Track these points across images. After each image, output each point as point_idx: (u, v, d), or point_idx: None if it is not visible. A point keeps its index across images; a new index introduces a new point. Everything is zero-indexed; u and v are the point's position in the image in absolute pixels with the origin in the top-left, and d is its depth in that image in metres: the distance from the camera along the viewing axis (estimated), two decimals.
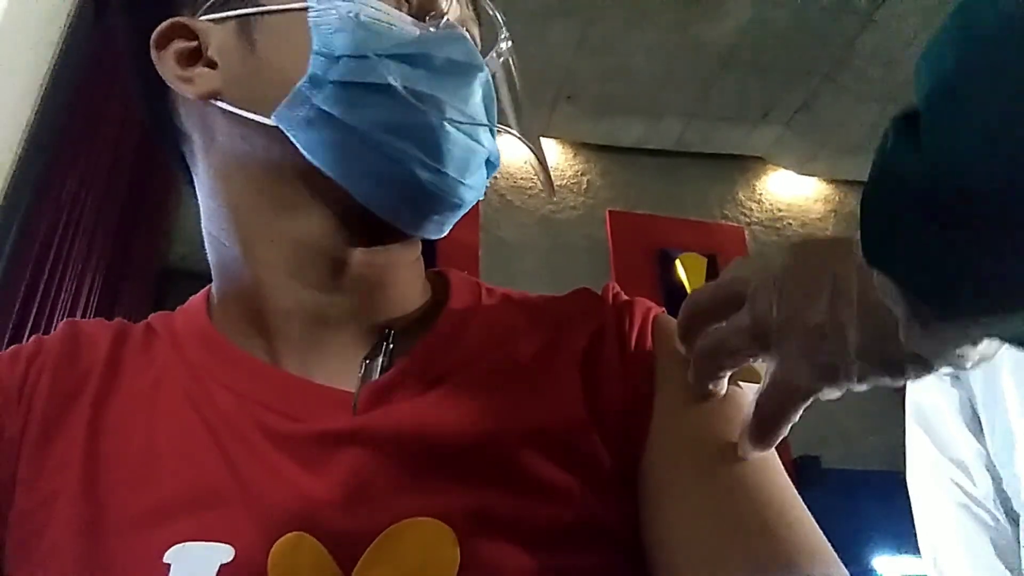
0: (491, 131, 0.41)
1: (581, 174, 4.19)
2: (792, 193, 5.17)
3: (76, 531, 0.34)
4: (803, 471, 4.08)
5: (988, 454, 1.14)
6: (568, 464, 0.35)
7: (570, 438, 0.36)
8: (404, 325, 0.41)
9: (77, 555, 0.33)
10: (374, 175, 0.37)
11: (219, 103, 0.39)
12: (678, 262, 4.77)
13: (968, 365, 0.30)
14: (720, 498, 0.34)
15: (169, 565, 0.32)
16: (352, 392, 0.37)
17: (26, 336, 1.55)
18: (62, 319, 0.57)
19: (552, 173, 3.91)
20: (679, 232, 4.89)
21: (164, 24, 0.41)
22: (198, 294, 0.45)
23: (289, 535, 0.33)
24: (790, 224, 5.06)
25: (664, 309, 0.45)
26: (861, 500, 4.02)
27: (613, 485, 0.36)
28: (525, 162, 4.07)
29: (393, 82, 0.35)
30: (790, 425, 0.34)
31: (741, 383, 0.39)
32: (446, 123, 0.36)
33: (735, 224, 4.97)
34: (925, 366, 0.30)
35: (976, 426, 1.16)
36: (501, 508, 0.33)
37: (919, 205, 0.24)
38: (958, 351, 0.29)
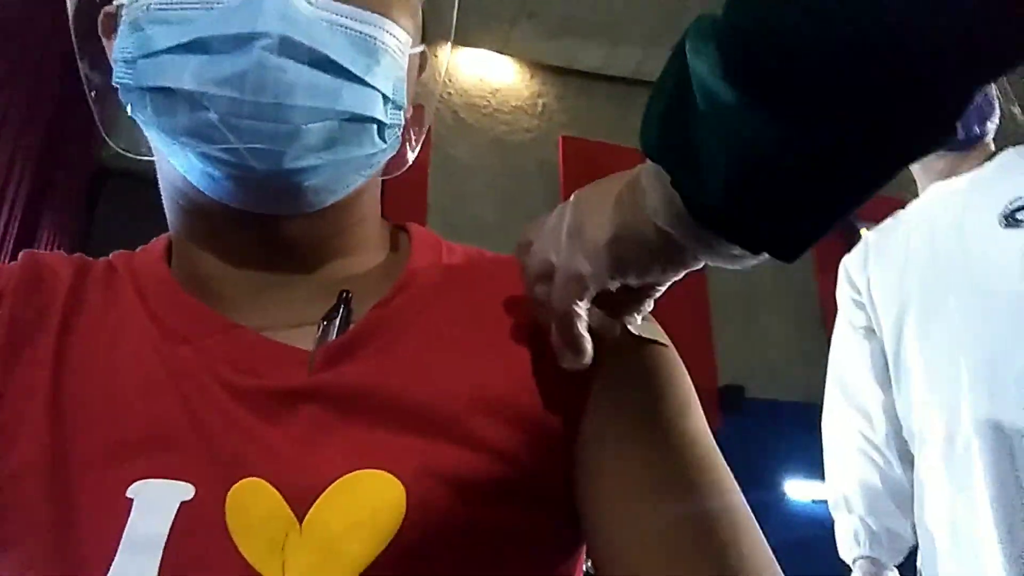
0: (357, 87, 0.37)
1: (537, 96, 4.12)
2: None
3: (43, 464, 0.35)
4: (726, 399, 4.28)
5: (893, 403, 1.23)
6: (514, 426, 0.37)
7: (517, 401, 0.38)
8: (363, 285, 0.42)
9: (42, 486, 0.34)
10: (198, 172, 0.37)
11: None
12: None
13: (742, 264, 0.34)
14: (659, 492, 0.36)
15: (132, 500, 0.33)
16: (309, 351, 0.38)
17: None
18: None
19: (507, 93, 3.81)
20: (633, 162, 4.85)
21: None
22: (159, 239, 0.45)
23: (246, 480, 0.34)
24: None
25: None
26: (779, 429, 4.26)
27: (558, 448, 0.38)
28: (481, 80, 3.97)
29: (171, 84, 0.34)
30: (586, 325, 0.37)
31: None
32: (229, 116, 0.34)
33: None
34: (681, 255, 0.35)
35: (885, 378, 1.25)
36: (448, 464, 0.35)
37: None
38: (732, 250, 0.33)
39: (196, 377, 0.37)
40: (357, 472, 0.34)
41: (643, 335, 0.42)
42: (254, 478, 0.34)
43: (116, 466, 0.34)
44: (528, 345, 0.40)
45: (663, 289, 0.40)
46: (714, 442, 0.40)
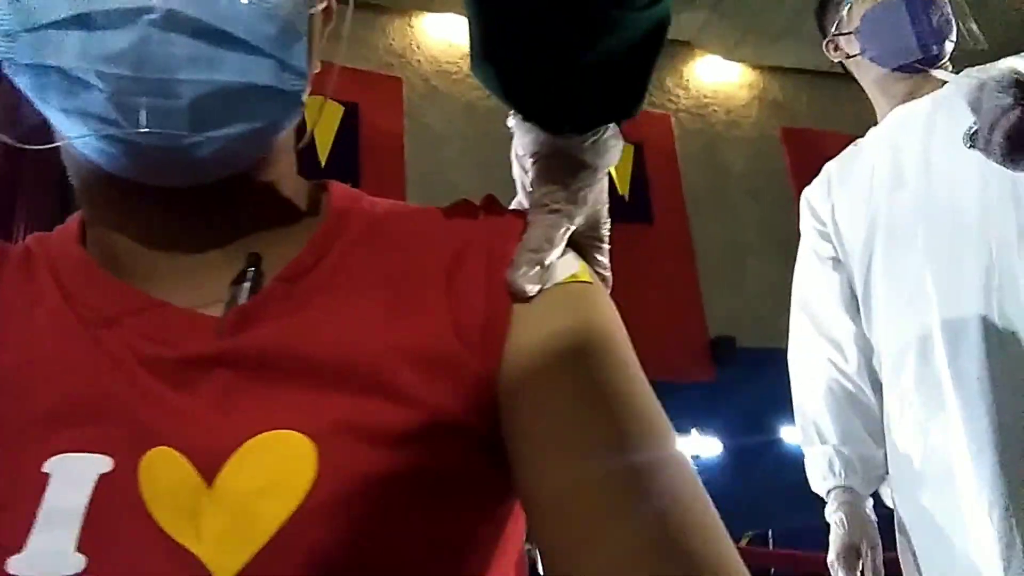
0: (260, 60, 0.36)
1: None
2: (718, 79, 5.17)
3: None
4: (718, 351, 4.33)
5: (863, 332, 1.24)
6: (430, 373, 0.37)
7: (432, 348, 0.37)
8: (277, 248, 0.41)
9: None
10: (94, 149, 0.36)
11: None
12: None
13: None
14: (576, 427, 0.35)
15: (48, 475, 0.34)
16: (219, 317, 0.38)
17: None
18: None
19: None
20: None
21: None
22: (74, 216, 0.44)
23: (155, 449, 0.34)
24: (715, 111, 5.09)
25: None
26: (772, 376, 4.31)
27: (477, 389, 0.37)
28: (450, 44, 3.90)
29: (56, 62, 0.33)
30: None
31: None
32: (119, 94, 0.33)
33: (662, 111, 4.96)
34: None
35: (854, 308, 1.26)
36: (361, 416, 0.35)
37: None
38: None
39: (110, 351, 0.37)
40: (265, 434, 0.34)
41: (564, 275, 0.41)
42: (162, 447, 0.34)
43: (32, 443, 0.34)
44: (447, 291, 0.39)
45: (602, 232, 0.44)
46: (646, 386, 0.39)
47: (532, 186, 0.42)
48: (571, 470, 0.34)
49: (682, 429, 4.09)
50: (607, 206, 0.45)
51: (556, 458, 0.35)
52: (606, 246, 0.45)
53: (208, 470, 0.34)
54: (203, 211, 0.40)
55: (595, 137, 0.42)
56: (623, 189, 4.75)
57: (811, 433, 1.27)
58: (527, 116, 0.44)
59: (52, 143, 0.39)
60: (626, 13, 0.39)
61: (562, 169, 0.42)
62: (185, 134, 0.35)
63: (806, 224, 1.35)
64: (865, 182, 1.23)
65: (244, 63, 0.36)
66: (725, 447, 4.02)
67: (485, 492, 0.38)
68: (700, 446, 4.03)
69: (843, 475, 1.21)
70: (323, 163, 4.25)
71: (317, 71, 0.44)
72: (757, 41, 4.88)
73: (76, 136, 0.36)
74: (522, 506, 0.37)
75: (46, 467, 0.34)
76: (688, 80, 5.06)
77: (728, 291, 4.02)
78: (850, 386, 1.25)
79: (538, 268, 0.39)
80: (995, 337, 1.03)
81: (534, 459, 0.35)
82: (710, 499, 0.35)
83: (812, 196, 1.34)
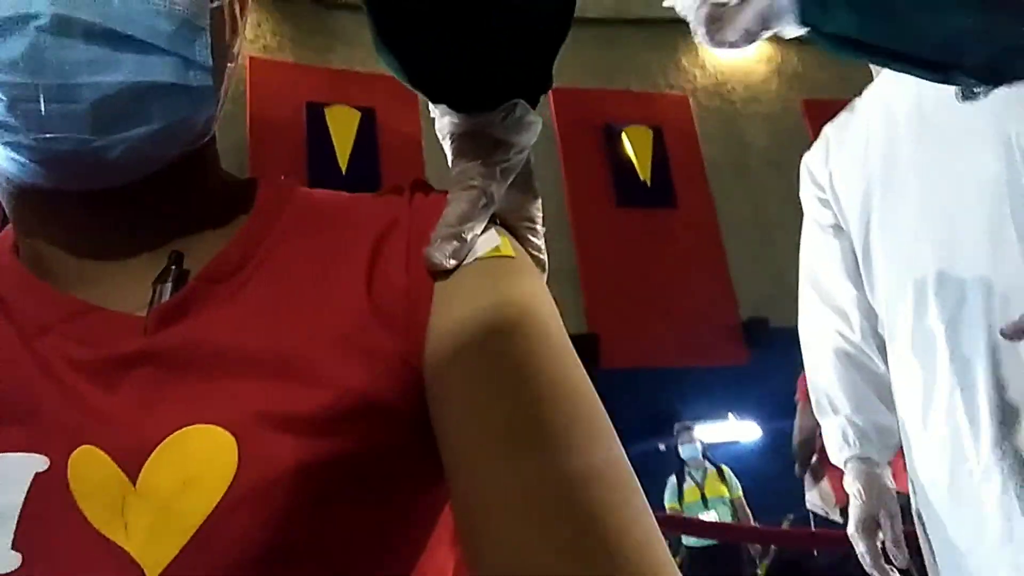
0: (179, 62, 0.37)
1: None
2: (735, 56, 5.11)
3: None
4: (751, 333, 4.29)
5: (866, 298, 1.22)
6: (348, 355, 0.36)
7: (350, 329, 0.37)
8: (201, 244, 0.41)
9: None
10: (3, 158, 0.36)
11: None
12: (624, 136, 4.74)
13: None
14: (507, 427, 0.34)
15: None
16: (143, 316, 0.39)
17: None
18: None
19: None
20: (623, 105, 4.82)
21: None
22: (9, 226, 0.45)
23: (81, 447, 0.35)
24: (734, 89, 5.03)
25: None
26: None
27: (400, 370, 0.37)
28: None
29: None
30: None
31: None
32: (18, 102, 0.34)
33: (679, 92, 4.91)
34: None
35: (856, 274, 1.23)
36: (281, 405, 0.35)
37: None
38: None
39: (42, 356, 0.38)
40: (185, 428, 0.35)
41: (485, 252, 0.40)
42: (88, 446, 0.35)
43: None
44: (368, 272, 0.39)
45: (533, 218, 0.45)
46: (572, 363, 0.37)
47: (452, 166, 0.43)
48: (486, 466, 0.33)
49: (718, 414, 4.05)
50: (536, 185, 0.45)
51: (473, 451, 0.34)
52: (539, 227, 0.45)
53: (131, 468, 0.34)
54: (126, 212, 0.41)
55: (505, 114, 0.43)
56: (644, 175, 4.72)
57: (824, 405, 1.25)
58: (435, 98, 0.45)
59: None
60: None
61: (478, 147, 0.42)
62: (88, 137, 0.35)
63: (806, 191, 1.31)
64: (860, 143, 1.20)
65: (143, 62, 0.36)
66: (763, 431, 3.98)
67: (417, 474, 0.37)
68: (738, 431, 3.99)
69: (858, 445, 1.18)
70: (344, 169, 4.30)
71: (233, 63, 0.43)
72: None
73: None
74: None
75: None
76: (704, 59, 5.00)
77: (758, 271, 3.97)
78: (858, 354, 1.23)
79: (455, 242, 0.39)
80: (993, 292, 1.00)
81: (453, 448, 0.35)
82: (642, 496, 0.33)
83: (811, 162, 1.31)
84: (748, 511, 3.36)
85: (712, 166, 4.50)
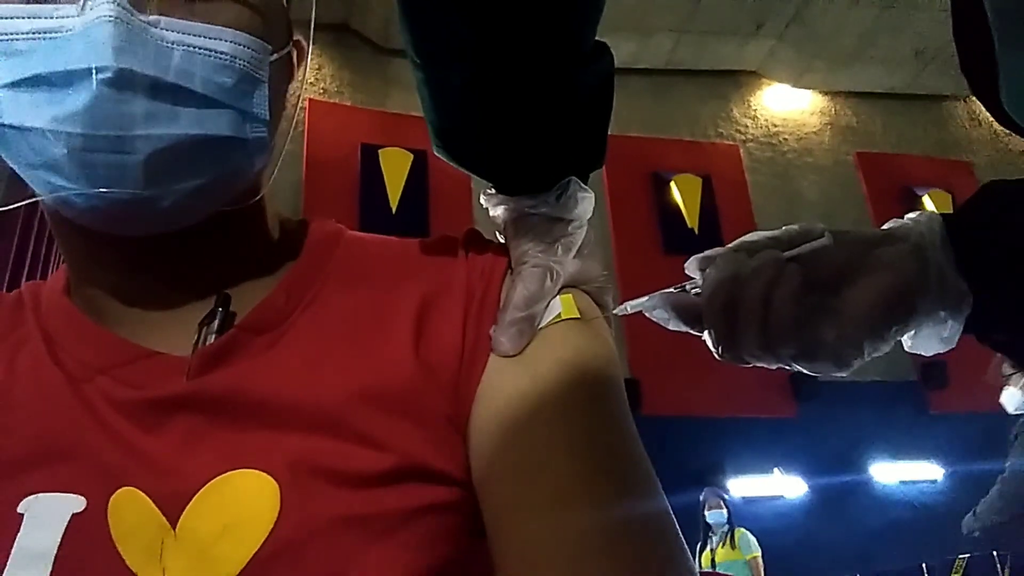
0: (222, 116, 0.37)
1: None
2: (787, 107, 5.09)
3: None
4: (800, 385, 4.16)
5: None
6: (395, 413, 0.36)
7: (396, 387, 0.37)
8: (250, 288, 0.42)
9: None
10: (59, 202, 0.37)
11: None
12: (673, 184, 4.73)
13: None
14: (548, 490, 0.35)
15: (23, 515, 0.34)
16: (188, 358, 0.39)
17: None
18: None
19: None
20: (672, 153, 4.82)
21: None
22: (63, 265, 0.46)
23: (122, 489, 0.35)
24: (786, 140, 5.00)
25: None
26: (858, 411, 4.09)
27: (444, 430, 0.37)
28: None
29: (15, 122, 0.34)
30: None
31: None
32: (76, 152, 0.34)
33: (730, 142, 4.90)
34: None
35: None
36: (324, 457, 0.35)
37: None
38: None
39: (86, 396, 0.38)
40: (228, 473, 0.35)
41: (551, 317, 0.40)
42: (129, 487, 0.35)
43: (7, 483, 0.35)
44: (417, 330, 0.39)
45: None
46: (632, 433, 0.37)
47: (511, 248, 0.43)
48: (534, 524, 0.33)
49: (764, 468, 3.91)
50: (597, 250, 0.45)
51: (520, 510, 0.34)
52: (607, 285, 0.45)
53: (172, 511, 0.34)
54: (177, 256, 0.41)
55: (559, 193, 0.43)
56: (692, 222, 4.69)
57: None
58: (497, 187, 0.46)
59: (24, 199, 0.41)
60: (570, 70, 0.41)
61: (537, 227, 0.43)
62: (140, 192, 0.35)
63: None
64: None
65: (201, 116, 0.36)
66: (810, 487, 3.84)
67: (457, 531, 0.37)
68: (783, 486, 3.86)
69: None
70: (394, 210, 4.38)
71: (287, 110, 0.43)
72: (826, 67, 4.79)
73: (37, 194, 0.37)
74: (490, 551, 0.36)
75: (20, 507, 0.35)
76: (756, 110, 4.99)
77: None
78: None
79: (524, 326, 0.39)
80: None
81: (498, 507, 0.35)
82: (686, 552, 0.34)
83: None
84: (762, 573, 3.26)
85: (762, 215, 4.45)
